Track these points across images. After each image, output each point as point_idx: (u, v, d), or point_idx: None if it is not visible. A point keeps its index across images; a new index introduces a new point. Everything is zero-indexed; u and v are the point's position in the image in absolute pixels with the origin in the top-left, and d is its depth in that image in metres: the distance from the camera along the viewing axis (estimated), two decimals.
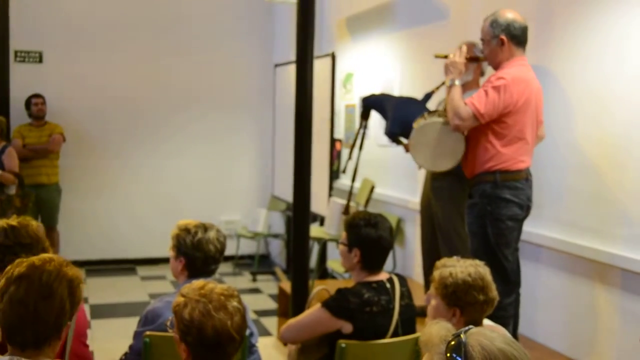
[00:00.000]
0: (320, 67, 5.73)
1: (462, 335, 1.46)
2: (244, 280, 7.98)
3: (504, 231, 3.76)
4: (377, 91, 5.07)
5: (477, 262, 2.63)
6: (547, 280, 4.30)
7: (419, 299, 3.44)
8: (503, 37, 3.79)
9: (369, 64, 6.69)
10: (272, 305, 6.85)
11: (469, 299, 2.52)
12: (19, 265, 2.03)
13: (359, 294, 3.07)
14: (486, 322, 2.68)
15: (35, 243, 2.74)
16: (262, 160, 8.88)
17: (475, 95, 3.76)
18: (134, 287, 7.54)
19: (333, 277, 6.82)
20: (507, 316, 3.78)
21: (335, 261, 6.55)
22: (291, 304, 4.72)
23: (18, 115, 7.54)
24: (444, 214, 4.52)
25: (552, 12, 4.25)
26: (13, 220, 2.78)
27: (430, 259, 4.54)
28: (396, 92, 5.98)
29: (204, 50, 8.59)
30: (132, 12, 8.31)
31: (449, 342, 1.47)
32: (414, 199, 5.52)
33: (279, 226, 8.59)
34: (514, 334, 3.97)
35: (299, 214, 4.62)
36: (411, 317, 3.20)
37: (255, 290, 7.55)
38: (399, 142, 4.67)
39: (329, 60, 6.32)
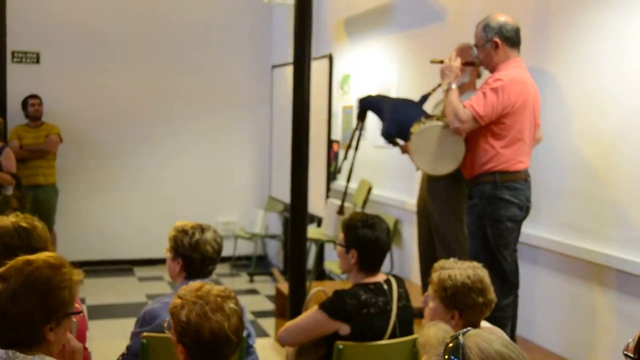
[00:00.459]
0: (317, 69, 5.73)
1: (460, 337, 1.46)
2: (241, 281, 7.98)
3: (503, 232, 3.77)
4: (373, 93, 5.07)
5: (475, 264, 2.63)
6: (545, 282, 4.30)
7: (416, 300, 3.44)
8: (497, 39, 3.82)
9: (366, 66, 6.69)
10: (270, 306, 6.85)
11: (469, 302, 2.52)
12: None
13: (356, 296, 3.07)
14: (484, 324, 2.68)
15: (44, 246, 2.73)
16: (259, 161, 8.88)
17: (474, 97, 3.78)
18: (131, 288, 7.53)
19: (330, 279, 6.82)
20: (506, 317, 3.80)
21: (332, 262, 6.55)
22: (288, 305, 4.72)
23: (15, 116, 7.54)
24: (441, 215, 4.52)
25: (548, 15, 4.25)
26: (22, 221, 2.76)
27: (427, 260, 4.54)
28: (393, 93, 5.99)
29: (201, 52, 8.59)
30: (129, 14, 8.31)
31: (447, 344, 1.47)
32: (411, 200, 5.52)
33: (277, 227, 8.59)
34: (512, 335, 3.97)
35: (297, 215, 4.62)
36: (409, 318, 3.20)
37: (253, 291, 7.54)
38: (395, 144, 4.68)
39: (326, 61, 6.31)
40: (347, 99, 7.04)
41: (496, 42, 3.82)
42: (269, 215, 8.47)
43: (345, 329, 3.05)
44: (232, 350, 2.10)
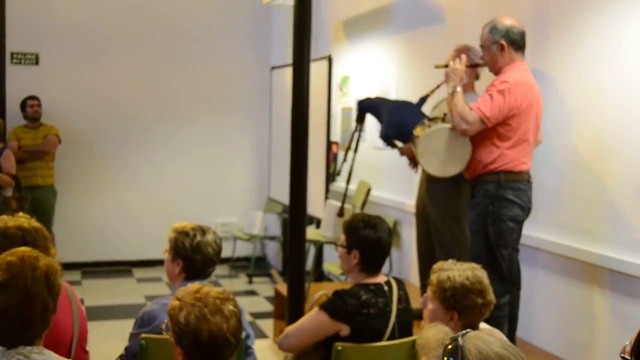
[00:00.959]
0: (316, 70, 5.73)
1: (459, 339, 1.46)
2: (240, 283, 7.97)
3: (504, 231, 3.80)
4: (372, 94, 5.08)
5: (474, 265, 2.63)
6: (544, 283, 4.30)
7: (415, 302, 3.44)
8: (503, 42, 3.85)
9: (366, 67, 6.70)
10: (268, 307, 6.85)
11: (468, 303, 2.52)
12: None
13: (356, 296, 3.08)
14: (483, 325, 2.68)
15: (43, 248, 2.73)
16: (258, 162, 8.88)
17: (480, 99, 3.81)
18: (130, 289, 7.52)
19: (329, 280, 6.82)
20: (503, 316, 3.83)
21: (331, 264, 6.55)
22: (287, 306, 4.72)
23: (14, 117, 7.54)
24: (439, 216, 4.53)
25: (547, 17, 4.26)
26: (25, 223, 2.76)
27: (425, 261, 4.55)
28: (392, 95, 5.99)
29: (200, 53, 8.59)
30: (128, 15, 8.31)
31: (446, 345, 1.47)
32: (410, 201, 5.52)
33: (275, 228, 8.59)
34: (512, 336, 3.98)
35: (295, 216, 4.61)
36: (408, 320, 3.20)
37: (251, 293, 7.54)
38: (393, 146, 4.68)
39: (325, 63, 6.32)
40: (346, 101, 7.04)
41: (502, 45, 3.85)
42: (268, 216, 8.47)
43: (345, 329, 3.06)
44: (230, 352, 2.10)
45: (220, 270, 8.26)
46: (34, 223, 2.78)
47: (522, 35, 3.89)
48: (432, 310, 2.59)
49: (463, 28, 5.02)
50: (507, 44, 3.85)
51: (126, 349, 2.94)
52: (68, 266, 7.95)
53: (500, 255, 3.82)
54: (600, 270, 3.84)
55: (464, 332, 1.49)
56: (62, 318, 2.73)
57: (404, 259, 6.00)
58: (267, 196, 8.46)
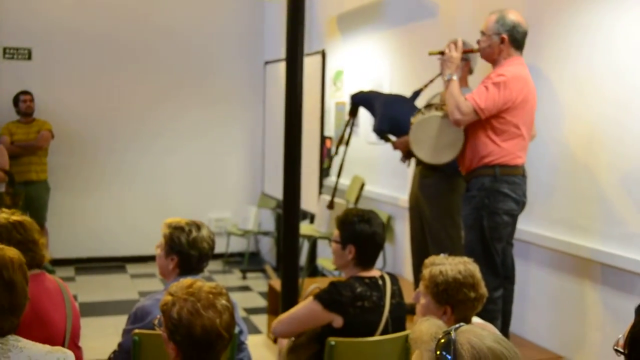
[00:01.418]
0: (310, 65, 5.73)
1: (452, 333, 1.46)
2: (233, 278, 7.97)
3: (498, 225, 3.81)
4: (366, 88, 5.07)
5: (466, 259, 2.63)
6: (537, 277, 4.31)
7: (409, 297, 3.45)
8: (505, 36, 3.83)
9: (359, 62, 6.69)
10: (262, 303, 6.85)
11: (461, 297, 2.52)
12: None
13: (351, 288, 3.09)
14: (476, 319, 2.68)
15: (33, 244, 2.73)
16: (252, 157, 8.87)
17: (476, 90, 3.81)
18: (123, 285, 7.51)
19: (323, 275, 6.82)
20: (496, 310, 3.84)
21: (325, 259, 6.55)
22: (281, 301, 4.72)
23: (6, 112, 7.51)
24: (432, 211, 4.53)
25: (541, 12, 4.26)
26: (16, 216, 2.76)
27: (419, 256, 4.55)
28: (386, 89, 5.99)
29: (193, 48, 8.56)
30: (121, 10, 8.27)
31: (439, 339, 1.47)
32: (404, 196, 5.52)
33: (269, 224, 8.58)
34: (506, 331, 3.99)
35: (289, 211, 4.61)
36: (401, 315, 3.21)
37: (245, 288, 7.54)
38: (387, 139, 4.68)
39: (319, 57, 6.31)
40: (340, 95, 7.04)
41: (503, 38, 3.84)
42: (261, 211, 8.46)
43: (338, 321, 3.06)
44: (223, 346, 2.10)
45: (213, 265, 8.25)
46: (21, 216, 2.77)
47: (524, 35, 3.88)
48: (425, 305, 2.59)
49: (456, 22, 5.01)
50: (508, 39, 3.83)
51: (119, 345, 2.94)
52: (61, 262, 7.97)
53: (495, 249, 3.83)
54: (593, 265, 3.85)
55: (457, 326, 1.49)
56: (54, 314, 2.72)
57: (398, 254, 6.00)
58: (261, 191, 8.46)
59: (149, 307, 2.88)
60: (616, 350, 1.41)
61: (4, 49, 7.84)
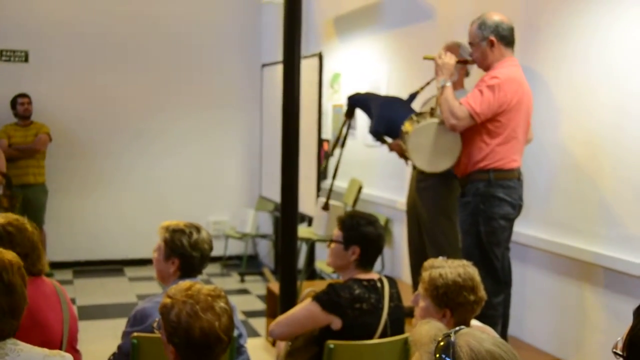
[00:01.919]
0: (307, 68, 5.73)
1: (451, 336, 1.46)
2: (232, 281, 7.96)
3: (496, 230, 3.79)
4: (363, 90, 5.07)
5: (465, 262, 2.63)
6: (535, 280, 4.31)
7: (407, 300, 3.45)
8: (492, 38, 3.82)
9: (356, 64, 6.70)
10: (261, 306, 6.84)
11: (460, 300, 2.52)
12: None
13: (350, 290, 3.09)
14: (475, 322, 2.68)
15: (30, 251, 2.72)
16: (249, 160, 8.87)
17: (470, 95, 3.79)
18: (121, 288, 7.50)
19: (321, 278, 6.82)
20: (497, 315, 3.81)
21: (323, 262, 6.54)
22: (279, 304, 4.71)
23: (3, 115, 7.51)
24: (430, 214, 4.53)
25: (537, 14, 4.26)
26: (8, 226, 2.74)
27: (417, 259, 4.55)
28: (383, 91, 5.99)
29: (191, 51, 8.56)
30: (118, 13, 8.27)
31: (438, 342, 1.47)
32: (402, 199, 5.52)
33: (267, 227, 8.58)
34: (504, 334, 3.98)
35: (287, 214, 4.61)
36: (400, 318, 3.21)
37: (244, 291, 7.53)
38: (383, 141, 4.68)
39: (316, 60, 6.31)
40: (337, 98, 7.04)
41: (492, 41, 3.82)
42: (259, 214, 8.46)
43: (337, 322, 3.06)
44: (222, 349, 2.09)
45: (212, 268, 8.25)
46: (21, 224, 2.77)
47: (511, 30, 3.87)
48: (424, 308, 2.59)
49: (453, 25, 5.02)
50: (496, 39, 3.82)
51: (119, 347, 2.93)
52: (59, 265, 7.96)
53: (494, 254, 3.81)
54: (591, 267, 3.85)
55: (457, 329, 1.49)
56: (51, 317, 2.72)
57: (396, 257, 6.00)
58: (259, 194, 8.46)
59: (149, 310, 2.88)
60: (615, 353, 1.41)
61: (1, 51, 7.84)
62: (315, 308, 3.08)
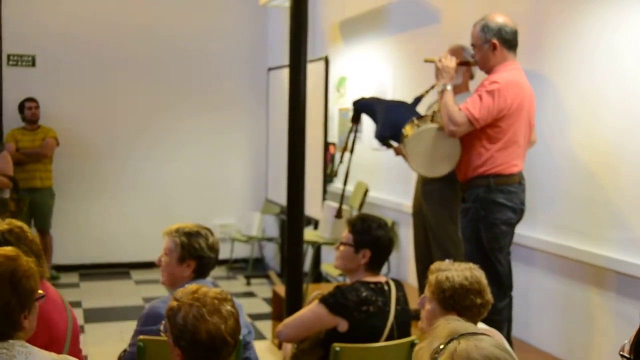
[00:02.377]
0: (313, 71, 5.73)
1: (454, 341, 1.47)
2: (238, 284, 7.97)
3: (497, 236, 3.76)
4: (367, 95, 5.08)
5: (472, 265, 2.63)
6: (541, 283, 4.30)
7: (414, 303, 3.45)
8: (495, 41, 3.79)
9: (362, 68, 6.70)
10: (267, 309, 6.85)
11: (467, 303, 2.52)
12: None
13: (357, 292, 3.09)
14: (481, 325, 2.68)
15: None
16: (256, 163, 8.88)
17: (469, 100, 3.75)
18: (128, 291, 7.52)
19: (327, 281, 6.82)
20: (502, 320, 3.79)
21: (329, 265, 6.54)
22: (285, 307, 4.71)
23: (10, 119, 7.53)
24: (435, 217, 4.52)
25: (544, 16, 4.26)
26: (7, 232, 2.75)
27: (423, 262, 4.54)
28: (389, 95, 5.99)
29: (197, 55, 8.58)
30: (124, 17, 8.30)
31: (439, 345, 1.48)
32: (408, 202, 5.52)
33: (273, 230, 8.58)
34: (508, 337, 3.97)
35: (293, 217, 4.61)
36: (406, 321, 3.21)
37: (250, 294, 7.54)
38: (389, 146, 4.68)
39: (322, 64, 6.32)
40: (343, 102, 7.05)
41: (494, 44, 3.79)
42: (265, 217, 8.46)
43: (343, 325, 3.06)
44: (229, 352, 2.10)
45: (218, 271, 8.25)
46: (22, 231, 2.77)
47: (515, 33, 3.83)
48: (431, 311, 2.59)
49: (458, 28, 5.02)
50: (499, 43, 3.78)
51: (130, 345, 2.91)
52: (66, 268, 7.98)
53: (497, 259, 3.78)
54: (598, 270, 3.84)
55: (461, 334, 1.50)
56: (55, 317, 2.74)
57: (402, 260, 6.00)
58: (265, 197, 8.46)
59: (162, 310, 2.87)
60: (622, 356, 1.41)
61: (8, 56, 7.86)
62: (322, 310, 3.08)
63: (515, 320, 4.03)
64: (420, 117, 4.02)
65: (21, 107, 7.56)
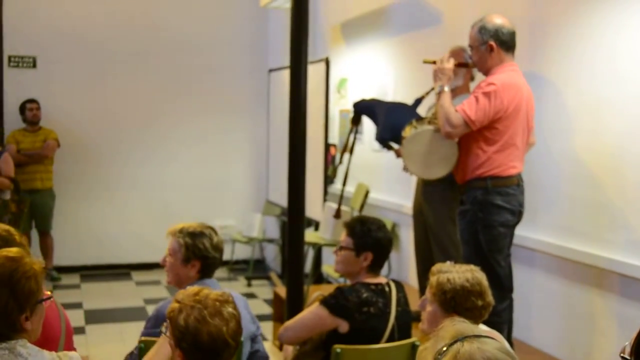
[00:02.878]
0: (314, 73, 5.73)
1: (457, 343, 1.47)
2: (239, 285, 7.97)
3: (495, 237, 3.75)
4: (368, 96, 5.08)
5: (473, 267, 2.63)
6: (543, 285, 4.30)
7: (414, 304, 3.45)
8: (492, 43, 3.78)
9: (363, 69, 6.70)
10: (267, 310, 6.85)
11: (468, 305, 2.52)
12: None
13: (357, 293, 3.09)
14: (482, 327, 2.68)
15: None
16: (256, 165, 8.88)
17: (466, 101, 3.74)
18: (128, 293, 7.52)
19: (328, 282, 6.82)
20: (502, 322, 3.78)
21: (330, 266, 6.54)
22: (286, 309, 4.71)
23: (11, 120, 7.54)
24: (436, 219, 4.52)
25: (544, 18, 4.26)
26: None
27: (424, 264, 4.54)
28: (390, 97, 5.99)
29: (198, 56, 8.58)
30: (126, 19, 8.30)
31: (441, 347, 1.48)
32: (408, 203, 5.52)
33: (274, 231, 8.58)
34: (509, 338, 3.97)
35: (294, 218, 4.61)
36: (407, 322, 3.21)
37: (251, 295, 7.54)
38: (389, 148, 4.68)
39: (323, 65, 6.32)
40: (344, 103, 7.05)
41: (491, 45, 3.78)
42: (266, 219, 8.46)
43: (344, 326, 3.06)
44: (230, 354, 2.10)
45: (219, 273, 8.16)
46: (8, 234, 2.76)
47: (512, 35, 3.82)
48: (432, 313, 2.59)
49: (460, 29, 5.01)
50: (496, 44, 3.77)
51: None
52: (67, 269, 7.99)
53: (496, 261, 3.77)
54: (600, 272, 3.84)
55: (464, 336, 1.50)
56: (49, 314, 2.74)
57: (403, 261, 6.00)
58: (266, 199, 8.46)
59: None
60: (622, 358, 1.41)
61: (9, 57, 7.87)
62: (322, 312, 3.09)
63: (516, 322, 4.03)
64: (419, 119, 4.02)
65: (22, 109, 7.57)
